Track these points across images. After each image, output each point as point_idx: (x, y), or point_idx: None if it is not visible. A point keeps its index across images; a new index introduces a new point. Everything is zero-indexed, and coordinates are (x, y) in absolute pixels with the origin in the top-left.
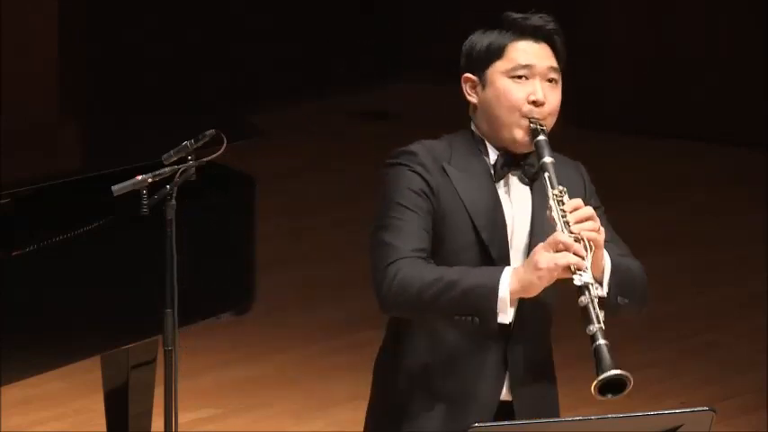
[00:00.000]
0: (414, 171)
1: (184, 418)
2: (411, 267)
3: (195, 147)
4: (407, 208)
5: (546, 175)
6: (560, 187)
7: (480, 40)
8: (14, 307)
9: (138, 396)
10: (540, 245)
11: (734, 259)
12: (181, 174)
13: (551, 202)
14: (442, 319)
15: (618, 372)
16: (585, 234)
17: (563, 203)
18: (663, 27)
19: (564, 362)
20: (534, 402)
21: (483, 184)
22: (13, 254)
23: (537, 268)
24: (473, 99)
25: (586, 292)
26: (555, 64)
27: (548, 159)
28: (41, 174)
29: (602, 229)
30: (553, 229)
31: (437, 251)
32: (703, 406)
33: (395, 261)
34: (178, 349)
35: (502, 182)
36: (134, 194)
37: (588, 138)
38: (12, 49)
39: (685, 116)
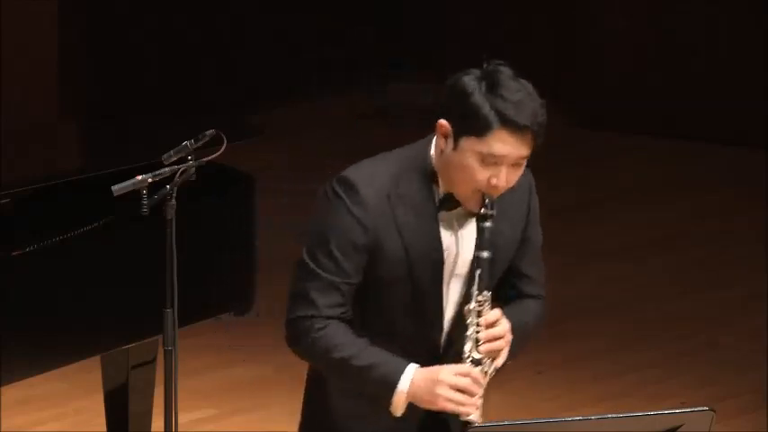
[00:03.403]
0: (353, 216)
1: (184, 418)
2: (325, 333)
3: (195, 147)
4: (340, 264)
5: (477, 272)
6: (485, 293)
7: (470, 99)
8: (14, 307)
9: (138, 396)
10: (449, 371)
11: (734, 259)
12: (181, 174)
13: (471, 309)
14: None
15: None
16: (495, 347)
17: (480, 315)
18: (663, 27)
19: (564, 362)
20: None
21: (426, 218)
22: (13, 254)
23: (431, 396)
24: (442, 144)
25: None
26: (527, 153)
27: (485, 254)
28: (41, 174)
29: (510, 339)
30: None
31: (368, 279)
32: (703, 406)
33: (315, 318)
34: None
35: (447, 214)
36: (134, 194)
37: (588, 138)
38: (12, 49)
39: (685, 116)
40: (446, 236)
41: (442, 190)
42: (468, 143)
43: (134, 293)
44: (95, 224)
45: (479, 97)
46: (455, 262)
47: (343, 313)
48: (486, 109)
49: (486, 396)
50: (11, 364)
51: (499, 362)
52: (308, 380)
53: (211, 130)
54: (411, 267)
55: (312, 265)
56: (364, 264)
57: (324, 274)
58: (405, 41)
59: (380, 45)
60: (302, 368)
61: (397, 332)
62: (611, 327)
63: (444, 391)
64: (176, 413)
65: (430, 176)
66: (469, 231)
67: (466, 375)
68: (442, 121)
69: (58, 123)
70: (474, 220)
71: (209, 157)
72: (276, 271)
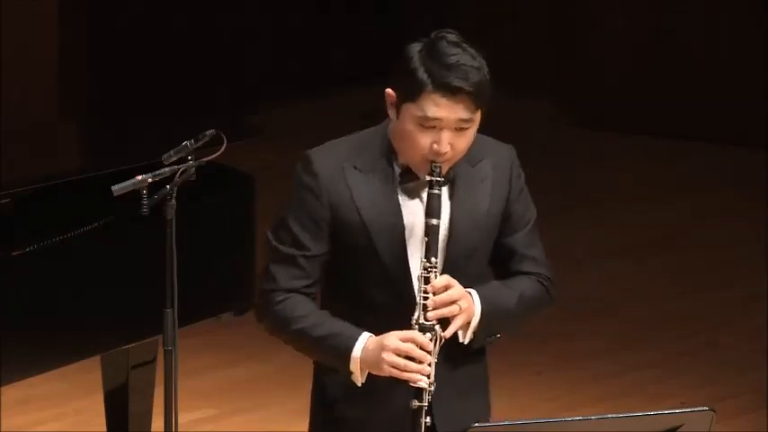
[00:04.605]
0: (305, 186)
1: (184, 418)
2: (284, 306)
3: (195, 147)
4: (297, 237)
5: (425, 239)
6: (434, 259)
7: (409, 64)
8: (14, 307)
9: (138, 396)
10: (393, 336)
11: (734, 259)
12: (181, 174)
13: (419, 276)
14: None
15: None
16: (445, 313)
17: (428, 281)
18: (663, 27)
19: (564, 362)
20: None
21: (384, 188)
22: (13, 254)
23: (378, 363)
24: (390, 114)
25: (420, 398)
26: (466, 116)
27: (434, 222)
28: (41, 174)
29: (466, 306)
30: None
31: (336, 251)
32: (703, 406)
33: (275, 291)
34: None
35: (412, 185)
36: (134, 194)
37: (588, 138)
38: (12, 49)
39: (685, 116)
40: (410, 207)
41: (401, 161)
42: (407, 109)
43: (134, 293)
44: (95, 224)
45: (416, 62)
46: (418, 239)
47: (304, 287)
48: (420, 72)
49: (486, 396)
50: (11, 364)
51: (451, 330)
52: (313, 386)
53: (211, 130)
54: (372, 238)
55: (273, 242)
56: (326, 235)
57: (282, 248)
58: (405, 41)
59: (381, 45)
60: (302, 368)
61: (370, 304)
62: (611, 327)
63: (388, 356)
64: (176, 413)
65: (388, 149)
66: (443, 194)
67: (410, 341)
68: (388, 90)
69: (58, 123)
70: (445, 198)
71: (209, 157)
72: None
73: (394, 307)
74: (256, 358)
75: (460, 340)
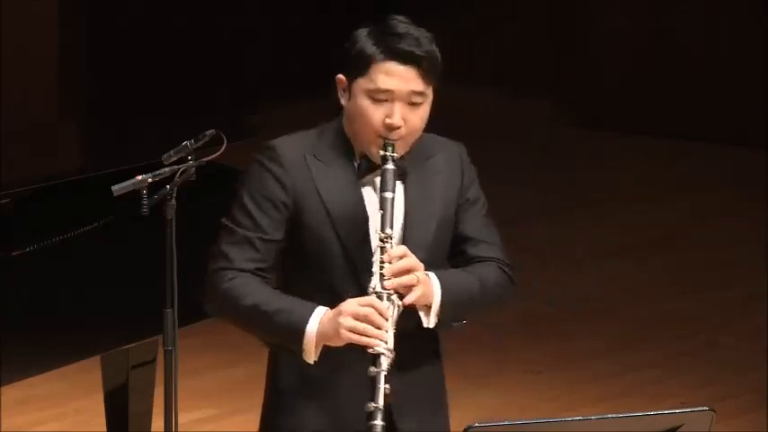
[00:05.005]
0: (269, 171)
1: (184, 418)
2: (236, 283)
3: (195, 147)
4: (255, 219)
5: (380, 212)
6: (389, 230)
7: (357, 44)
8: (14, 307)
9: (138, 396)
10: (352, 301)
11: (734, 259)
12: (181, 174)
13: (375, 247)
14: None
15: None
16: (403, 282)
17: (384, 251)
18: (663, 27)
19: (564, 362)
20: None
21: (346, 179)
22: (13, 254)
23: (336, 330)
24: (343, 101)
25: (378, 364)
26: (419, 88)
27: (388, 195)
28: (41, 174)
29: (424, 279)
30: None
31: (297, 242)
32: (703, 406)
33: (227, 269)
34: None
35: (371, 176)
36: (134, 194)
37: (588, 138)
38: (12, 49)
39: (685, 116)
40: (371, 198)
41: (358, 153)
42: (358, 85)
43: (134, 293)
44: (95, 224)
45: (365, 39)
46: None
47: (258, 269)
48: (368, 45)
49: (486, 396)
50: (11, 364)
51: (410, 298)
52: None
53: (211, 130)
54: (335, 226)
55: (230, 224)
56: (284, 222)
57: (238, 230)
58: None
59: None
60: None
61: (331, 292)
62: (611, 327)
63: (345, 320)
64: (176, 413)
65: (346, 142)
66: (398, 191)
67: (369, 305)
68: (339, 76)
69: (58, 123)
70: (399, 190)
71: (210, 157)
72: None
73: (355, 296)
74: (256, 358)
75: (424, 324)
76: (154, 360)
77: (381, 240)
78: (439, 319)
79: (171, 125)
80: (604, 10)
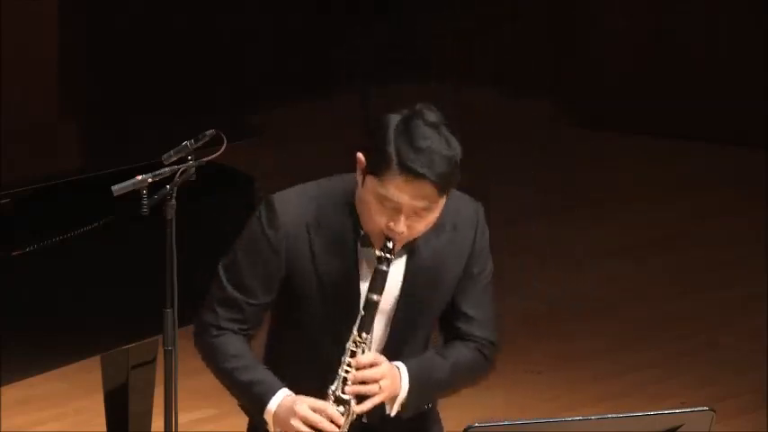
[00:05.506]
0: (265, 235)
1: (184, 418)
2: (219, 342)
3: (195, 147)
4: (245, 282)
5: (362, 313)
6: (365, 335)
7: (382, 134)
8: (14, 307)
9: (138, 396)
10: (305, 404)
11: (734, 259)
12: (181, 174)
13: (346, 348)
14: None
15: None
16: (363, 391)
17: (354, 355)
18: (663, 27)
19: (564, 362)
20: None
21: (344, 249)
22: (13, 254)
23: (286, 423)
24: (359, 178)
25: None
26: (427, 204)
27: (375, 297)
28: (41, 174)
29: (392, 372)
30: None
31: (287, 296)
32: (703, 406)
33: (212, 326)
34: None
35: (372, 249)
36: (134, 194)
37: (588, 138)
38: (12, 49)
39: (685, 116)
40: (367, 271)
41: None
42: (371, 182)
43: (134, 293)
44: (95, 224)
45: (390, 136)
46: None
47: (241, 329)
48: (390, 149)
49: (486, 396)
50: (11, 364)
51: (364, 407)
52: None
53: (211, 130)
54: (325, 300)
55: (223, 279)
56: (276, 286)
57: (229, 288)
58: (405, 41)
59: (381, 45)
60: None
61: (314, 345)
62: (611, 327)
63: (296, 423)
64: (176, 413)
65: (353, 210)
66: (397, 268)
67: (320, 412)
68: (359, 155)
69: (58, 123)
70: (402, 258)
71: (210, 157)
72: None
73: (336, 353)
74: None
75: (387, 412)
76: (154, 360)
77: (355, 343)
78: (402, 407)
79: (171, 125)
80: (604, 10)
